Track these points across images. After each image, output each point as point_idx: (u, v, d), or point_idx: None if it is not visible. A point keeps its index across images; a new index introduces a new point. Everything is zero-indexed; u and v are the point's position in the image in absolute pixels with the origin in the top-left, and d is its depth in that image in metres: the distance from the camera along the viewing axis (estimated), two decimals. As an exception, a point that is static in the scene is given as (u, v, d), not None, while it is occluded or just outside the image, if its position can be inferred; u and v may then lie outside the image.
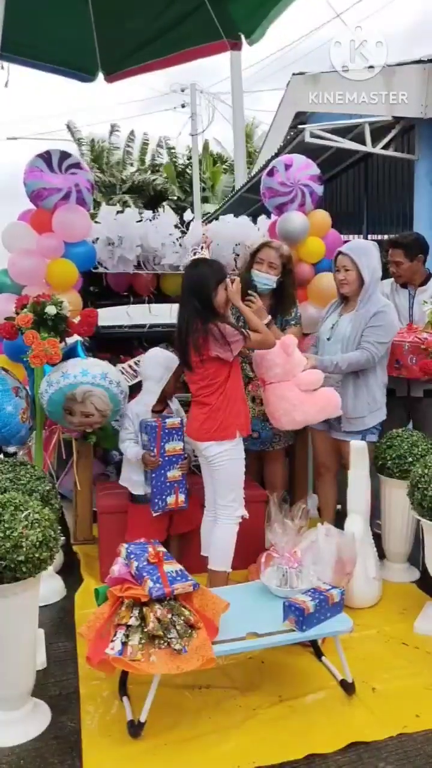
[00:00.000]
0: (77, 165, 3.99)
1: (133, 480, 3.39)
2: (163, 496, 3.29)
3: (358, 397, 3.49)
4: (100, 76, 3.65)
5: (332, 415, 3.40)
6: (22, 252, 3.87)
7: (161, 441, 3.24)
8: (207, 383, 3.05)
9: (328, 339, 3.60)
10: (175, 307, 3.20)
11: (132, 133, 22.24)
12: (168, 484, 3.30)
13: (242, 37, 3.22)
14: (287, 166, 4.21)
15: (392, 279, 4.09)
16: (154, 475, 3.26)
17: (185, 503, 3.36)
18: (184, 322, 3.06)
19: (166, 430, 3.26)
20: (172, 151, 22.12)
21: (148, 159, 22.71)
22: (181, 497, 3.35)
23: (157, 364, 3.38)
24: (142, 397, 3.43)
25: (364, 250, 3.55)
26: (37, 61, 3.51)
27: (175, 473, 3.31)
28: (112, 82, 3.65)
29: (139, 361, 4.03)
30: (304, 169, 4.24)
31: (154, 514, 3.28)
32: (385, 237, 7.27)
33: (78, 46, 3.48)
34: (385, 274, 3.87)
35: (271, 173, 4.25)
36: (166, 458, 3.27)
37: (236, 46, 3.28)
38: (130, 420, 3.39)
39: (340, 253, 3.58)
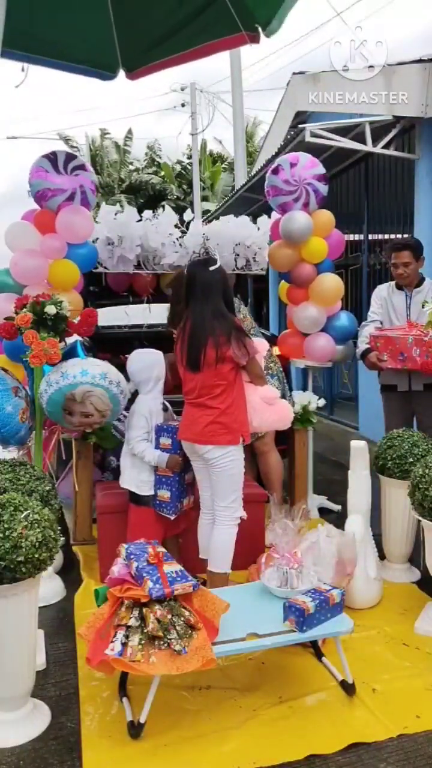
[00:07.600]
0: (82, 166, 3.98)
1: (142, 480, 3.32)
2: (181, 499, 3.29)
3: None
4: (121, 73, 3.60)
5: (283, 428, 3.45)
6: (24, 252, 3.86)
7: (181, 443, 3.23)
8: (216, 382, 3.02)
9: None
10: None
11: (129, 132, 22.24)
12: (184, 486, 3.30)
13: (259, 29, 3.16)
14: (292, 165, 4.18)
15: (390, 282, 4.23)
16: (176, 478, 3.24)
17: (191, 504, 3.37)
18: (202, 319, 3.02)
19: None
20: (157, 159, 22.15)
21: (145, 159, 22.68)
22: (191, 498, 3.36)
23: (147, 367, 3.35)
24: (151, 396, 3.36)
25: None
26: (58, 60, 3.45)
27: (189, 475, 3.31)
28: (134, 79, 3.59)
29: None
30: (309, 168, 4.21)
31: (172, 517, 3.27)
32: (386, 237, 7.27)
33: (98, 43, 3.41)
34: (379, 278, 3.90)
35: (275, 171, 4.22)
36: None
37: (255, 39, 3.20)
38: (146, 419, 3.30)
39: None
